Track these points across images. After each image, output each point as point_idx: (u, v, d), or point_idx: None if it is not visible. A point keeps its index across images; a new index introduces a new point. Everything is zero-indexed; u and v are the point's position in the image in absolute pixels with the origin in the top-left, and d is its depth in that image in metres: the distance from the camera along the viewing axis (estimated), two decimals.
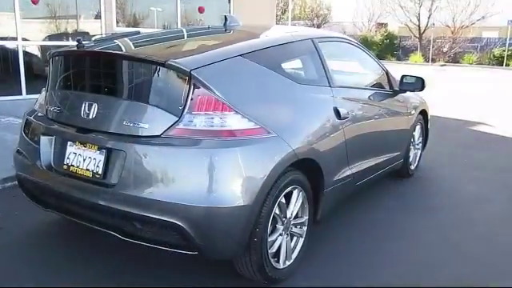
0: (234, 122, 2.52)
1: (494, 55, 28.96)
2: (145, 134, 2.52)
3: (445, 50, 30.39)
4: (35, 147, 2.96)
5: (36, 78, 9.38)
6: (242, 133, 2.52)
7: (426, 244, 3.54)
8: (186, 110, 2.50)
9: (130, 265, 3.03)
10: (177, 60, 2.52)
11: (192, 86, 2.50)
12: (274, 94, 2.90)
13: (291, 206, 2.89)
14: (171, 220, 2.42)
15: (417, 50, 31.17)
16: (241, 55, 2.79)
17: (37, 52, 10.09)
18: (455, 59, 29.86)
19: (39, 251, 3.24)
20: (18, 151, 3.18)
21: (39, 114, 3.09)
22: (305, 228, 3.07)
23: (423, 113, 5.14)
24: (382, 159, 4.16)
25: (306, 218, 3.07)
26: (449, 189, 4.89)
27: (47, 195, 2.96)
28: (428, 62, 29.18)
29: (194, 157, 2.45)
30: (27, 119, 3.17)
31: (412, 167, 5.13)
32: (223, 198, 2.43)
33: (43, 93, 3.22)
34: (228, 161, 2.46)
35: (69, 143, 2.80)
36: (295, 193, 2.89)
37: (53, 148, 2.88)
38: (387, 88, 4.37)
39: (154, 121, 2.52)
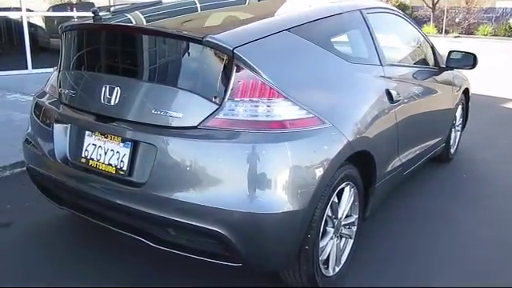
0: (284, 110, 2.12)
1: (509, 26, 28.07)
2: (178, 124, 2.12)
3: (458, 20, 29.47)
4: (48, 136, 2.57)
5: (42, 51, 8.93)
6: (292, 124, 2.11)
7: (481, 239, 3.17)
8: (227, 97, 2.09)
9: (146, 269, 2.67)
10: (217, 36, 2.10)
11: (235, 68, 2.09)
12: (326, 75, 2.48)
13: (342, 204, 2.51)
14: (211, 227, 2.05)
15: (429, 20, 30.24)
16: (287, 29, 2.36)
17: (41, 23, 9.60)
18: (469, 31, 28.99)
19: (50, 250, 2.89)
20: (26, 140, 2.79)
21: (51, 98, 2.69)
22: (354, 228, 2.70)
23: (465, 91, 4.70)
24: (428, 144, 3.77)
25: (355, 216, 2.69)
26: (493, 174, 4.50)
27: (62, 191, 2.59)
28: (441, 33, 28.31)
29: (237, 153, 2.05)
30: (37, 103, 2.78)
31: (452, 150, 4.72)
32: (272, 202, 2.05)
33: (55, 72, 2.82)
34: (278, 158, 2.06)
35: (87, 133, 2.41)
36: (347, 190, 2.51)
37: (68, 138, 2.49)
38: (433, 65, 3.92)
39: (189, 109, 2.12)
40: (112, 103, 2.28)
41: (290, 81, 2.23)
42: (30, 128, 2.82)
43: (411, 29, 3.78)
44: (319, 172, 2.16)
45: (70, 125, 2.49)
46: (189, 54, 2.18)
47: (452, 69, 4.05)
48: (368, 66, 2.84)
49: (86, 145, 2.40)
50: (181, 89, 2.16)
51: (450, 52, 3.97)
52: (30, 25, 8.78)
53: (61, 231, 3.14)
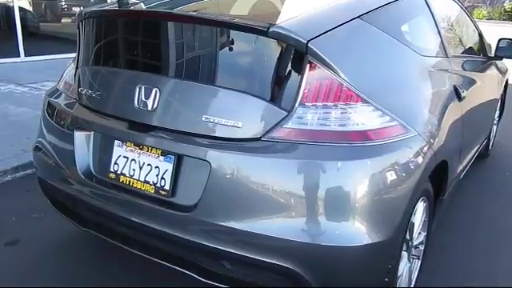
0: (365, 117, 1.72)
1: (505, 10, 27.71)
2: (237, 135, 1.72)
3: None
4: (65, 145, 2.15)
5: (34, 37, 8.38)
6: (376, 134, 1.72)
7: None
8: (297, 102, 1.69)
9: None
10: (286, 25, 1.69)
11: (307, 65, 1.68)
12: (402, 71, 2.10)
13: (416, 223, 2.14)
14: (278, 262, 1.67)
15: None
16: (359, 17, 1.95)
17: (30, 7, 9.01)
18: None
19: (64, 273, 2.48)
20: (37, 147, 2.37)
21: (67, 98, 2.26)
22: (422, 247, 2.34)
23: (505, 82, 4.34)
24: (479, 141, 3.41)
25: (424, 234, 2.33)
26: None
27: (85, 211, 2.18)
28: None
29: (310, 172, 1.67)
30: (50, 103, 2.34)
31: (490, 145, 4.37)
32: (354, 232, 1.67)
33: (70, 67, 2.38)
34: (360, 178, 1.67)
35: (116, 143, 1.99)
36: (421, 206, 2.14)
37: (92, 148, 2.08)
38: (483, 54, 3.54)
39: (250, 117, 1.72)
40: (149, 108, 1.86)
41: (368, 80, 1.83)
42: (41, 133, 2.39)
43: (463, 13, 3.39)
44: (407, 193, 1.78)
45: (93, 132, 2.07)
46: (249, 48, 1.77)
47: (501, 58, 3.67)
48: (437, 59, 2.45)
49: (115, 157, 1.99)
50: (239, 91, 1.75)
51: (500, 40, 3.59)
52: (20, 9, 8.21)
53: (75, 249, 2.73)
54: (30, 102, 5.27)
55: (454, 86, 2.47)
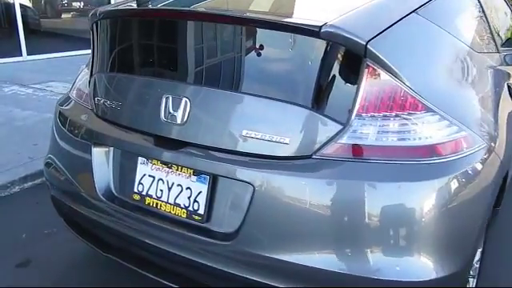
0: (432, 128, 1.49)
1: None
2: (284, 153, 1.48)
3: None
4: (81, 161, 1.92)
5: (35, 35, 8.13)
6: (445, 148, 1.48)
7: None
8: (354, 113, 1.45)
9: None
10: (340, 25, 1.44)
11: (366, 70, 1.44)
12: (463, 72, 1.85)
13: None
14: None
15: None
16: (415, 11, 1.70)
17: (28, 3, 8.75)
18: None
19: None
20: (48, 163, 2.14)
21: (81, 108, 2.03)
22: (478, 265, 2.10)
23: None
24: None
25: (480, 250, 2.09)
26: None
27: (106, 235, 1.95)
28: None
29: (371, 196, 1.43)
30: (62, 114, 2.12)
31: None
32: (423, 266, 1.43)
33: (83, 73, 2.15)
34: (429, 202, 1.44)
35: (140, 161, 1.76)
36: None
37: (112, 166, 1.85)
38: None
39: (299, 131, 1.48)
40: (178, 121, 1.63)
41: (430, 84, 1.59)
42: (53, 147, 2.17)
43: (503, 3, 3.13)
44: (480, 216, 1.55)
45: (112, 148, 1.84)
46: (295, 51, 1.53)
47: None
48: (490, 55, 2.20)
49: (139, 176, 1.76)
50: (284, 102, 1.51)
51: None
52: (21, 6, 7.95)
53: (93, 270, 2.50)
54: (35, 104, 5.04)
55: (508, 85, 2.22)
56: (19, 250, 2.63)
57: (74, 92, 2.15)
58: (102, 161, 1.86)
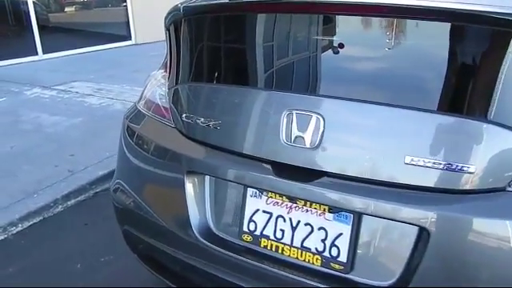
0: None
1: None
2: (467, 185, 1.12)
3: None
4: (168, 192, 1.57)
5: (49, 32, 7.75)
6: None
7: None
8: None
9: None
10: None
11: None
12: None
13: None
14: None
15: None
16: None
17: None
18: None
19: None
20: (118, 189, 1.79)
21: (159, 124, 1.67)
22: None
23: None
24: None
25: None
26: None
27: (199, 278, 1.60)
28: None
29: None
30: (132, 130, 1.77)
31: None
32: None
33: (153, 81, 1.79)
34: None
35: (250, 192, 1.41)
36: None
37: (209, 198, 1.49)
38: None
39: (487, 154, 1.12)
40: (307, 144, 1.27)
41: None
42: (122, 170, 1.82)
43: None
44: None
45: (209, 177, 1.48)
46: (474, 47, 1.16)
47: None
48: None
49: (249, 212, 1.41)
50: (463, 117, 1.14)
51: None
52: (34, 2, 7.56)
53: None
54: (62, 108, 4.70)
55: None
56: (77, 284, 2.30)
57: (143, 103, 1.80)
58: (195, 192, 1.50)
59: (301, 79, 1.35)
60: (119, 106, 4.69)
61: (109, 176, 3.26)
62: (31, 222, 2.82)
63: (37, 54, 7.20)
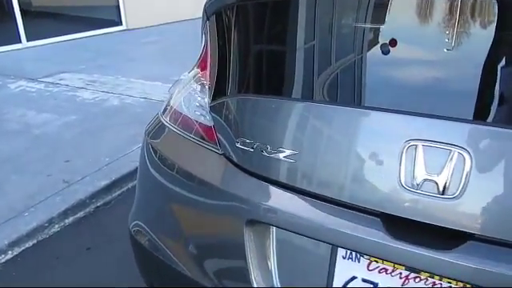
0: None
1: None
2: None
3: None
4: (215, 245, 1.14)
5: (33, 17, 7.17)
6: None
7: None
8: None
9: None
10: None
11: None
12: None
13: None
14: None
15: None
16: None
17: None
18: None
19: None
20: (139, 232, 1.36)
21: (201, 151, 1.23)
22: None
23: None
24: None
25: None
26: None
27: None
28: None
29: None
30: (158, 153, 1.33)
31: None
32: None
33: (182, 91, 1.34)
34: None
35: (342, 253, 0.99)
36: None
37: (276, 255, 1.07)
38: None
39: None
40: (441, 192, 0.84)
41: None
42: (144, 206, 1.39)
43: None
44: None
45: (275, 228, 1.06)
46: None
47: None
48: None
49: (341, 279, 1.01)
50: None
51: None
52: None
53: None
54: (52, 104, 4.21)
55: None
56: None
57: (169, 117, 1.36)
58: (257, 248, 1.08)
59: (430, 95, 0.92)
60: (116, 101, 4.22)
61: (111, 187, 2.83)
62: (23, 248, 2.38)
63: (20, 41, 6.64)
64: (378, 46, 0.99)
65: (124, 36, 7.66)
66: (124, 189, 2.91)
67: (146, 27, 8.15)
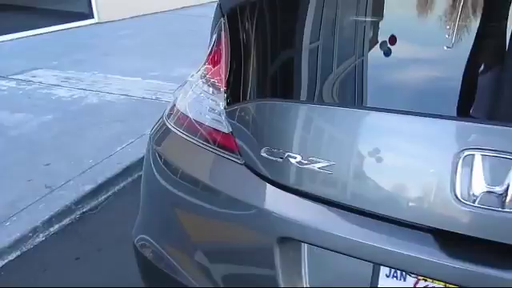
0: None
1: None
2: None
3: None
4: (241, 265, 1.05)
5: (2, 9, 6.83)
6: None
7: None
8: None
9: None
10: None
11: None
12: None
13: None
14: None
15: None
16: None
17: None
18: None
19: None
20: (145, 246, 1.25)
21: (217, 160, 1.12)
22: None
23: None
24: None
25: None
26: None
27: None
28: None
29: None
30: (166, 162, 1.22)
31: None
32: None
33: (189, 93, 1.24)
34: None
35: (385, 271, 0.90)
36: None
37: (308, 273, 0.98)
38: None
39: None
40: (506, 207, 0.77)
41: None
42: (151, 220, 1.28)
43: None
44: None
45: (307, 245, 0.97)
46: None
47: None
48: None
49: None
50: None
51: None
52: None
53: None
54: (26, 103, 4.00)
55: None
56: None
57: (175, 117, 1.24)
58: (289, 266, 0.99)
59: (490, 99, 0.84)
60: (95, 98, 4.03)
61: (96, 191, 2.69)
62: (6, 260, 2.23)
63: None
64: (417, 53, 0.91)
65: (96, 29, 7.40)
66: (110, 193, 2.77)
67: (119, 20, 7.89)
